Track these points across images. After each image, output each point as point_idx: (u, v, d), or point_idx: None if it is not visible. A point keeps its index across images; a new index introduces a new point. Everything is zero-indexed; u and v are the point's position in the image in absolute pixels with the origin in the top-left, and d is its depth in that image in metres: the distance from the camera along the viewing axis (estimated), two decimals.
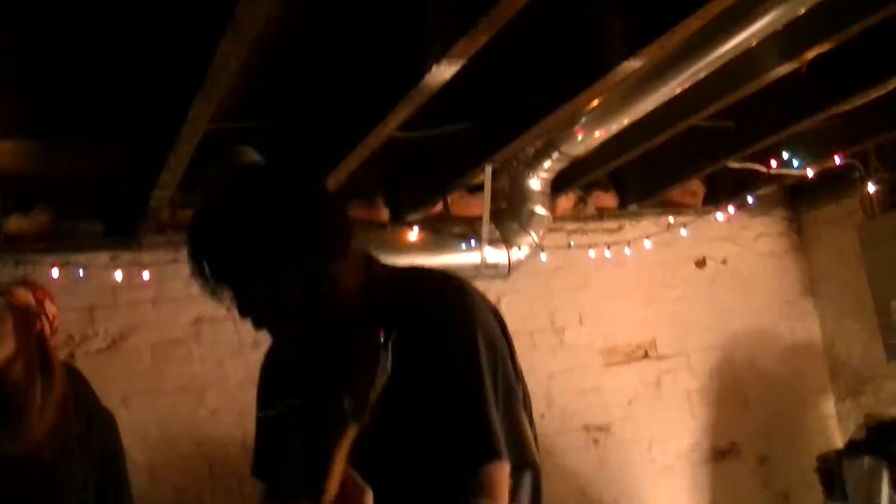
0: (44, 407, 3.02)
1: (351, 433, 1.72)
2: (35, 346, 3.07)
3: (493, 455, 1.97)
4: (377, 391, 1.73)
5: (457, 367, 2.02)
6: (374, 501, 1.76)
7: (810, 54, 3.89)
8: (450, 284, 2.18)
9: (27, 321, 3.07)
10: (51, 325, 3.21)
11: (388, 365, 1.75)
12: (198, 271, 2.05)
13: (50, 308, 3.23)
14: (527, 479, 2.15)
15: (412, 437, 2.00)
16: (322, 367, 2.16)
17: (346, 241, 2.14)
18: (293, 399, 2.19)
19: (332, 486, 1.71)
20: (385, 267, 2.28)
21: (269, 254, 2.01)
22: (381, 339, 1.76)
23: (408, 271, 2.32)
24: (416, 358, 2.00)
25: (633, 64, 3.55)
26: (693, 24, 3.28)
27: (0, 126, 4.02)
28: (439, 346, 2.04)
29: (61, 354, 4.30)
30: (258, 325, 2.09)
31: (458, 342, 2.04)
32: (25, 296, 3.14)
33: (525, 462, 2.08)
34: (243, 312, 2.08)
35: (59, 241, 4.58)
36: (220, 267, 2.03)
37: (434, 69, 3.33)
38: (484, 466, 1.97)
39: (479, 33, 3.12)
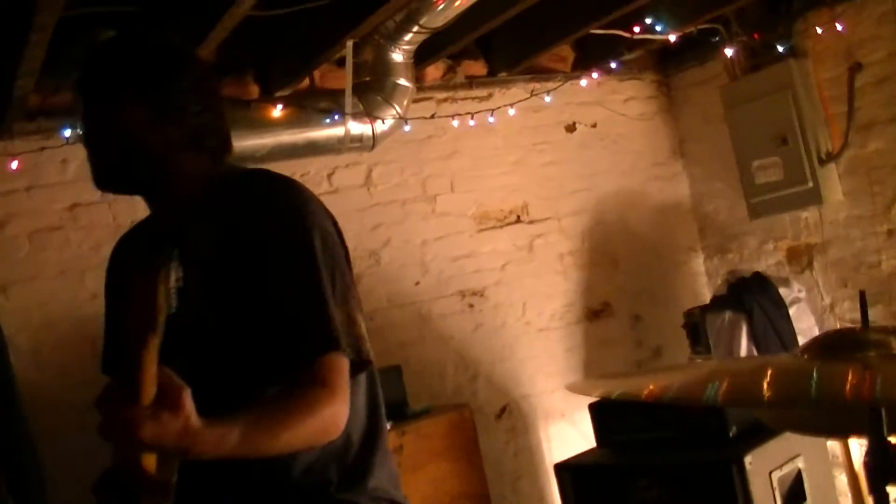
0: None
1: (152, 343, 1.73)
2: None
3: (331, 345, 2.01)
4: (167, 303, 1.75)
5: (293, 260, 2.07)
6: (205, 397, 1.78)
7: None
8: (288, 181, 2.24)
9: None
10: None
11: (175, 276, 1.77)
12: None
13: None
14: (362, 378, 2.23)
15: (245, 327, 2.05)
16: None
17: (213, 127, 2.31)
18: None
19: (147, 391, 1.73)
20: (238, 168, 2.37)
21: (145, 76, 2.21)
22: (164, 257, 1.77)
23: (254, 169, 2.39)
24: (249, 247, 2.07)
25: None
26: None
27: None
28: (275, 239, 2.08)
29: None
30: (87, 150, 2.26)
31: (295, 236, 2.09)
32: None
33: (362, 358, 2.10)
34: (83, 133, 2.26)
35: None
36: (81, 78, 2.25)
37: None
38: (321, 356, 2.01)
39: None
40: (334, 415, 2.02)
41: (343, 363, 2.03)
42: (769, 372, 2.02)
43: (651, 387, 2.16)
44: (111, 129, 2.19)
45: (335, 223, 2.23)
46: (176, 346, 1.79)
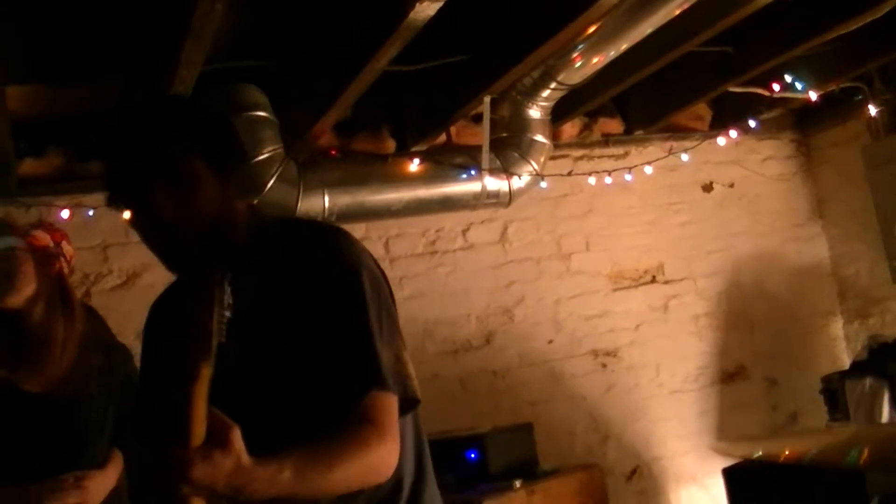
0: (65, 344, 3.14)
1: (205, 374, 1.72)
2: (55, 286, 3.19)
3: (379, 384, 1.99)
4: (219, 328, 1.74)
5: (341, 300, 2.05)
6: (252, 439, 1.75)
7: None
8: (333, 227, 2.26)
9: (47, 262, 3.18)
10: (68, 264, 3.32)
11: (227, 300, 1.76)
12: (120, 171, 2.16)
13: (67, 248, 3.33)
14: (409, 416, 2.17)
15: (293, 368, 2.03)
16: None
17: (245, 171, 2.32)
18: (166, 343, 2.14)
19: (197, 430, 1.70)
20: (268, 214, 2.39)
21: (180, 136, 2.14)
22: (218, 276, 1.77)
23: (291, 218, 2.41)
24: (297, 289, 2.06)
25: None
26: None
27: (11, 72, 4.08)
28: (323, 280, 2.06)
29: (77, 293, 4.42)
30: (167, 239, 2.14)
31: (343, 277, 2.07)
32: (44, 237, 3.23)
33: (409, 396, 2.08)
34: (161, 221, 2.12)
35: (71, 183, 4.64)
36: (145, 161, 2.11)
37: (417, 6, 3.38)
38: (368, 394, 1.98)
39: None
40: (385, 454, 1.99)
41: (391, 402, 2.01)
42: None
43: (790, 450, 2.08)
44: (197, 211, 2.11)
45: (378, 265, 2.21)
46: (223, 388, 1.77)
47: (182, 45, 3.38)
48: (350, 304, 2.04)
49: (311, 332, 2.02)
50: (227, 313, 1.77)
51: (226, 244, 2.15)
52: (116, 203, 2.15)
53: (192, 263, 2.15)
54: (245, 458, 1.73)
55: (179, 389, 1.71)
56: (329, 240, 2.16)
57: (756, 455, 2.22)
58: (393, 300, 2.20)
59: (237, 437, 1.73)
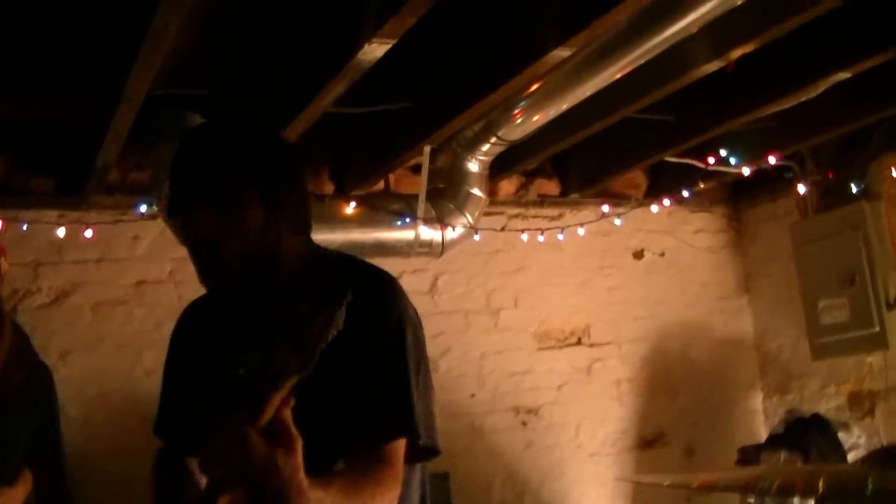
0: None
1: (291, 381, 1.76)
2: None
3: (408, 431, 2.14)
4: (325, 346, 1.77)
5: (386, 350, 2.18)
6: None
7: (736, 53, 3.99)
8: (386, 274, 2.34)
9: None
10: (1, 279, 3.30)
11: (341, 322, 1.80)
12: (175, 187, 2.27)
13: (3, 263, 3.31)
14: (417, 468, 2.32)
15: (332, 401, 2.11)
16: (253, 329, 2.24)
17: (306, 207, 2.36)
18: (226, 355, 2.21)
19: (268, 412, 1.75)
20: (327, 249, 2.46)
21: (242, 179, 2.22)
22: (341, 298, 1.81)
23: (347, 256, 2.47)
24: (352, 332, 2.02)
25: (561, 53, 3.66)
26: (618, 15, 3.39)
27: None
28: (372, 327, 2.15)
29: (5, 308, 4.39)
30: (204, 254, 2.23)
31: (391, 326, 2.20)
32: None
33: (434, 448, 2.23)
34: (199, 237, 2.23)
35: (10, 197, 4.66)
36: (196, 181, 2.23)
37: (366, 47, 3.44)
38: (397, 439, 2.13)
39: (405, 15, 3.24)
40: (395, 498, 2.13)
41: (403, 450, 2.15)
42: (825, 473, 2.01)
43: (701, 479, 2.14)
44: (235, 234, 2.21)
45: (418, 316, 2.34)
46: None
47: (135, 58, 3.39)
48: (395, 355, 2.19)
49: (355, 372, 2.13)
50: (334, 334, 1.80)
51: (267, 273, 2.26)
52: (169, 213, 2.34)
53: (227, 285, 2.28)
54: (302, 473, 1.78)
55: (265, 385, 1.76)
56: (382, 287, 2.28)
57: (666, 484, 2.29)
58: (426, 353, 2.33)
59: (300, 450, 1.78)
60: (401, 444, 2.14)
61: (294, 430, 1.78)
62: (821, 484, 1.94)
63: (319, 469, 1.95)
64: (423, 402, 2.19)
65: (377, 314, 2.19)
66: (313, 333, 1.76)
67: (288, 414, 1.77)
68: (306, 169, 2.54)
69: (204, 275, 2.25)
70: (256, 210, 2.21)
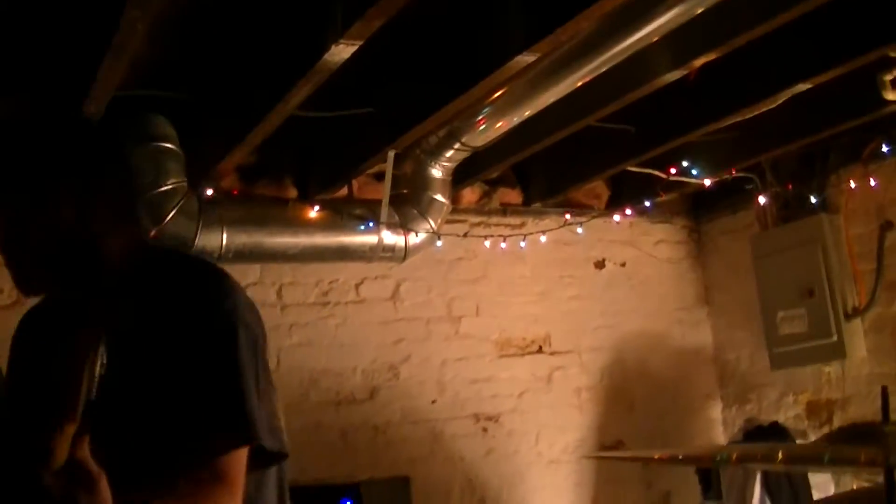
0: None
1: (68, 430, 1.65)
2: None
3: (248, 438, 1.96)
4: (86, 388, 1.69)
5: (215, 352, 2.00)
6: (112, 476, 1.67)
7: (698, 62, 4.04)
8: (217, 271, 2.15)
9: None
10: None
11: (101, 361, 1.72)
12: None
13: None
14: (273, 470, 2.16)
15: (159, 411, 1.95)
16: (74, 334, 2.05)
17: (126, 201, 2.24)
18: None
19: (59, 455, 1.63)
20: (159, 248, 2.35)
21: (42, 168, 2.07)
22: (93, 335, 1.73)
23: (181, 255, 2.33)
24: (173, 334, 1.99)
25: (526, 58, 3.69)
26: (582, 22, 3.43)
27: None
28: (199, 330, 2.01)
29: None
30: (11, 259, 2.09)
31: (219, 325, 2.03)
32: None
33: (281, 450, 2.06)
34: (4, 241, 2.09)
35: None
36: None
37: (333, 48, 3.44)
38: (234, 449, 1.95)
39: (372, 16, 3.24)
40: None
41: (244, 458, 1.97)
42: (782, 450, 2.05)
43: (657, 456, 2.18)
44: (40, 235, 2.05)
45: (258, 315, 2.15)
46: (92, 425, 1.69)
47: (100, 64, 3.39)
48: (224, 358, 2.00)
49: (183, 382, 1.96)
50: (99, 372, 1.72)
51: (87, 274, 2.09)
52: None
53: (40, 290, 2.15)
54: None
55: (43, 441, 1.65)
56: (210, 286, 2.09)
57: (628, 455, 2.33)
58: (266, 347, 2.15)
59: (104, 485, 1.65)
60: (238, 455, 1.95)
61: (93, 467, 1.64)
62: (780, 454, 1.98)
63: (159, 493, 1.84)
64: (264, 402, 2.02)
65: (202, 314, 2.02)
66: (73, 385, 1.68)
67: (84, 452, 1.63)
68: (126, 159, 2.40)
69: (15, 280, 2.10)
70: (66, 209, 2.04)
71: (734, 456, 1.94)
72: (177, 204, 4.51)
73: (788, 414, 5.98)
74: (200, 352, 1.99)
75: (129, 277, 2.11)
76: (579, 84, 4.09)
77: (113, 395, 1.81)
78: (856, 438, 2.16)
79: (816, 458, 1.93)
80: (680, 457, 1.98)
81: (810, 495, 5.22)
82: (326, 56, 3.50)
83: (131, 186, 2.28)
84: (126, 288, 2.10)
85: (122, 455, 1.81)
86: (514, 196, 6.05)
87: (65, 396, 1.67)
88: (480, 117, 4.54)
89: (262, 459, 2.03)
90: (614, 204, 6.17)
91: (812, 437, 5.47)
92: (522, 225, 5.98)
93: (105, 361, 1.73)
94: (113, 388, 1.80)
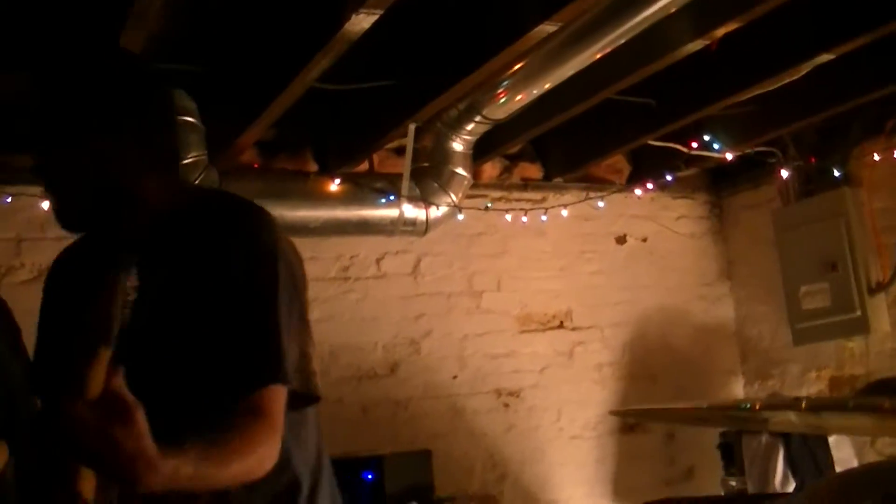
0: None
1: (104, 356, 1.66)
2: None
3: (279, 377, 1.96)
4: (120, 313, 1.71)
5: (254, 289, 2.01)
6: (153, 413, 1.66)
7: (719, 32, 4.01)
8: (254, 206, 2.17)
9: None
10: None
11: (129, 287, 1.74)
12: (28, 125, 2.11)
13: None
14: (311, 412, 2.18)
15: (197, 347, 1.98)
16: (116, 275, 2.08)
17: (171, 143, 2.22)
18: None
19: (93, 386, 1.63)
20: (199, 188, 2.33)
21: (87, 119, 2.05)
22: (123, 261, 1.75)
23: (221, 193, 2.37)
24: (212, 269, 2.01)
25: (547, 27, 3.66)
26: None
27: None
28: (238, 265, 2.01)
29: None
30: (56, 195, 2.10)
31: (259, 265, 2.02)
32: None
33: (311, 394, 2.08)
34: (46, 178, 2.11)
35: None
36: (44, 119, 2.08)
37: (353, 18, 3.43)
38: (268, 387, 1.95)
39: None
40: (272, 451, 1.96)
41: (283, 397, 1.98)
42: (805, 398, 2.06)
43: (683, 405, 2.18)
44: (79, 174, 2.06)
45: (299, 256, 2.17)
46: (126, 359, 1.69)
47: (119, 36, 3.39)
48: (261, 294, 2.00)
49: (219, 316, 1.97)
50: (131, 297, 1.75)
51: (128, 215, 2.10)
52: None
53: (85, 228, 2.16)
54: (148, 443, 1.62)
55: (77, 371, 1.66)
56: (248, 220, 2.10)
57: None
58: (305, 289, 2.15)
59: (140, 417, 1.62)
60: (275, 392, 1.95)
61: (129, 398, 1.62)
62: (804, 403, 1.99)
63: (194, 426, 1.83)
64: (295, 344, 2.02)
65: (242, 245, 2.03)
66: (105, 310, 1.70)
67: (119, 383, 1.61)
68: (172, 102, 2.29)
69: (57, 215, 2.11)
70: (103, 149, 2.05)
71: (757, 405, 1.93)
72: (197, 177, 4.51)
73: (811, 390, 5.95)
74: (238, 283, 1.99)
75: (168, 215, 2.12)
76: (599, 56, 4.08)
77: (149, 326, 1.87)
78: (884, 391, 2.15)
79: (840, 405, 1.92)
80: (705, 406, 1.97)
81: (833, 468, 5.21)
82: (347, 26, 3.48)
83: (174, 129, 2.24)
84: (165, 225, 2.11)
85: (157, 387, 1.81)
86: (534, 171, 6.03)
87: (97, 323, 1.69)
88: (501, 90, 4.53)
89: (293, 400, 2.02)
90: (635, 179, 6.14)
91: None
92: (543, 200, 5.96)
93: (136, 285, 1.76)
94: (149, 319, 1.85)
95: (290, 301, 2.04)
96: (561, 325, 5.99)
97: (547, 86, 4.40)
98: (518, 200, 5.90)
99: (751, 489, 5.38)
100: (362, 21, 3.46)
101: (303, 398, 2.06)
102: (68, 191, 2.09)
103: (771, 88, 4.71)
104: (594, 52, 4.04)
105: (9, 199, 4.57)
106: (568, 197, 5.97)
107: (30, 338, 3.15)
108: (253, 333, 1.98)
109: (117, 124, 2.06)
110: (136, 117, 2.09)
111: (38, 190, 4.62)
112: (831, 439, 5.34)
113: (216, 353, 1.96)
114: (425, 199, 5.09)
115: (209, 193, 2.31)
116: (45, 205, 4.60)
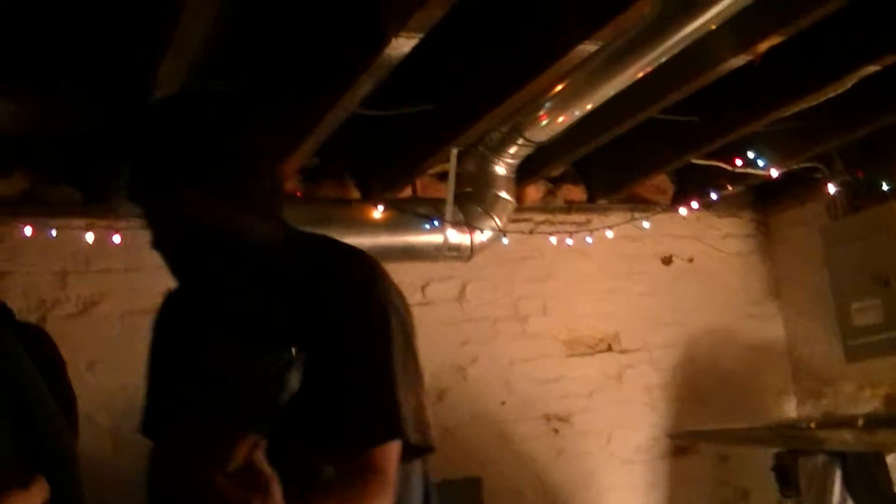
0: None
1: (253, 441, 1.71)
2: None
3: (396, 434, 1.99)
4: (281, 408, 1.73)
5: (369, 342, 2.02)
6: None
7: (762, 46, 3.96)
8: (368, 258, 2.17)
9: None
10: None
11: (296, 383, 1.76)
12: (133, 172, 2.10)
13: None
14: (418, 463, 2.20)
15: (312, 399, 1.94)
16: (228, 318, 2.13)
17: (275, 186, 2.20)
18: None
19: (237, 458, 1.70)
20: (301, 232, 2.29)
21: (192, 161, 2.03)
22: (291, 356, 1.76)
23: (325, 239, 2.31)
24: (325, 321, 2.02)
25: (588, 47, 3.63)
26: (642, 7, 3.37)
27: None
28: (352, 317, 2.02)
29: (34, 318, 4.40)
30: (162, 242, 2.10)
31: (373, 317, 2.03)
32: None
33: (426, 444, 2.10)
34: (153, 225, 2.09)
35: (34, 206, 4.66)
36: (150, 164, 2.07)
37: (393, 42, 3.41)
38: (383, 444, 1.98)
39: (432, 7, 3.20)
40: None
41: (397, 452, 2.01)
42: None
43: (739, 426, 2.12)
44: (185, 224, 2.05)
45: (406, 301, 2.18)
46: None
47: (161, 62, 3.40)
48: (377, 347, 2.02)
49: (336, 367, 1.99)
50: (289, 395, 1.77)
51: (235, 260, 2.09)
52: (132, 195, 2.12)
53: (199, 274, 2.15)
54: None
55: (222, 449, 1.71)
56: (360, 271, 2.11)
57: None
58: (415, 335, 2.17)
59: (276, 491, 1.71)
60: (390, 448, 1.99)
61: (268, 471, 1.71)
62: (860, 421, 1.93)
63: (306, 477, 1.89)
64: (411, 396, 2.04)
65: (355, 300, 2.03)
66: (268, 395, 1.72)
67: (259, 456, 1.70)
68: (275, 143, 2.29)
69: (171, 263, 2.12)
70: (210, 199, 2.03)
71: (812, 424, 1.89)
72: None
73: (865, 408, 5.85)
74: (353, 339, 2.02)
75: (276, 262, 2.12)
76: (640, 74, 4.05)
77: None
78: None
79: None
80: (761, 426, 1.94)
81: (892, 490, 5.11)
82: (387, 50, 3.46)
83: (277, 172, 2.25)
84: (274, 272, 2.11)
85: (281, 448, 1.83)
86: (577, 193, 6.00)
87: (256, 409, 1.72)
88: (542, 112, 4.50)
89: (407, 452, 2.05)
90: (679, 198, 6.09)
91: None
92: (588, 222, 5.92)
93: (297, 387, 1.76)
94: None
95: (405, 351, 2.07)
96: (609, 349, 5.94)
97: (589, 106, 4.37)
98: (562, 223, 5.86)
99: None
100: (402, 45, 3.44)
101: (417, 449, 2.09)
102: (176, 242, 2.09)
103: (816, 103, 4.65)
104: (636, 71, 4.01)
105: (53, 233, 4.58)
106: (613, 218, 5.92)
107: (74, 372, 3.16)
108: (369, 390, 2.00)
109: (223, 176, 2.05)
110: (242, 169, 2.08)
111: (82, 223, 4.69)
112: (889, 458, 5.25)
113: (333, 410, 1.98)
114: (469, 224, 5.06)
115: (314, 239, 2.28)
116: (90, 237, 4.64)
